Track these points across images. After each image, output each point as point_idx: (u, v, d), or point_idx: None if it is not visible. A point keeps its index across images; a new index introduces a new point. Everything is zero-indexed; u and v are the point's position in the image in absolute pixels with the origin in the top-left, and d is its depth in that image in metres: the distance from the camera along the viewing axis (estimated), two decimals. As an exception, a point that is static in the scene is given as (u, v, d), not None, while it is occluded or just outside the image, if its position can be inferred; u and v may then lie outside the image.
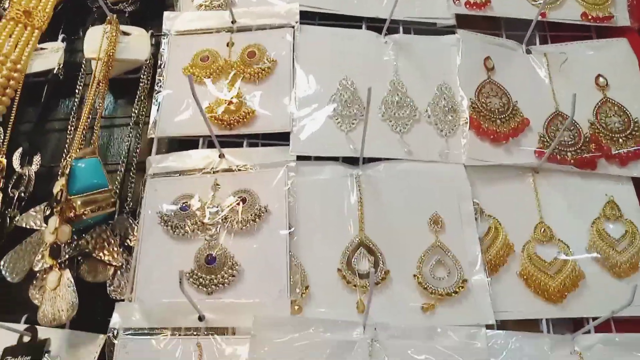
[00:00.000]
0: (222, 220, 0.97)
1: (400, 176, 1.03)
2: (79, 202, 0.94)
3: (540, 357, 0.87)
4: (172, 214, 0.98)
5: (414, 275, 0.93)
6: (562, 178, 1.05)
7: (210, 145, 1.06)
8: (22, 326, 0.92)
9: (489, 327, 0.89)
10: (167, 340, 0.87)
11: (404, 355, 0.84)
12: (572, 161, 1.05)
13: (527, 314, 0.93)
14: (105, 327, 0.91)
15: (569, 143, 1.07)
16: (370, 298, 0.79)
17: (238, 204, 0.98)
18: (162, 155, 1.05)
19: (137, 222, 0.99)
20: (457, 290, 0.92)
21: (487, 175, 1.04)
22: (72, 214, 0.93)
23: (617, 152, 1.06)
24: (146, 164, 1.05)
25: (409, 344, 0.85)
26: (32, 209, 1.00)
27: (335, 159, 1.05)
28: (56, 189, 0.93)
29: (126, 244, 0.99)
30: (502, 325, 0.91)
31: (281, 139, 1.07)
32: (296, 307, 0.89)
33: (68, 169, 0.94)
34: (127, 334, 0.88)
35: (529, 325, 0.93)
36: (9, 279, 0.95)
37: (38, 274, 0.95)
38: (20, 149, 1.10)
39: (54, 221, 0.89)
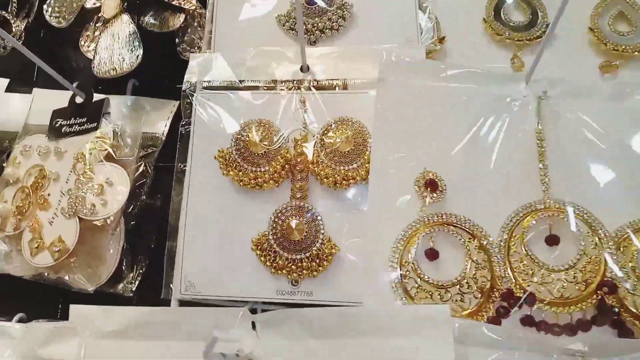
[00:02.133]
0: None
1: None
2: None
3: None
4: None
5: (590, 29, 0.69)
6: None
7: None
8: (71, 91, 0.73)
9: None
10: (258, 95, 0.66)
11: (579, 118, 0.62)
12: None
13: None
14: (177, 95, 0.71)
15: None
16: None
17: None
18: None
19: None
20: (648, 47, 0.67)
21: None
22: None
23: None
24: None
25: (588, 104, 0.62)
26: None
27: None
28: None
29: (199, -6, 0.76)
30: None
31: None
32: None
33: None
34: (207, 90, 0.68)
35: None
36: (55, 24, 0.74)
37: (89, 24, 0.74)
38: None
39: None
